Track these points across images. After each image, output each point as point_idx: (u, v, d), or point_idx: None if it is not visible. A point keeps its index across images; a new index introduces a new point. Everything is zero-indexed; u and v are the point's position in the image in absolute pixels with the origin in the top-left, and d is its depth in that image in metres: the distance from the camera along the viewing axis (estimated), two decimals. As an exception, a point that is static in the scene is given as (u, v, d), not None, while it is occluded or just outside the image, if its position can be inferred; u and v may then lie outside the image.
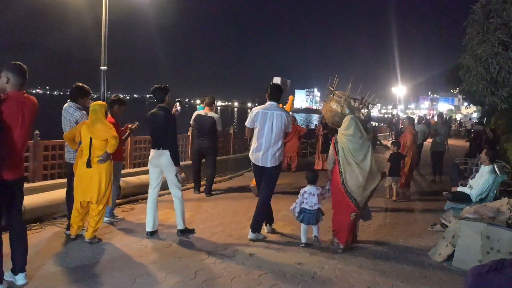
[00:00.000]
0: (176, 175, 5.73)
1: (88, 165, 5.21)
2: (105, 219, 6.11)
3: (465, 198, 6.36)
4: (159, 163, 5.71)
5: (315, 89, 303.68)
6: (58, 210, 6.23)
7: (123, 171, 8.00)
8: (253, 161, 5.95)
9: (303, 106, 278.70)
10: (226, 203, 7.90)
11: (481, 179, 6.27)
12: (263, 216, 6.01)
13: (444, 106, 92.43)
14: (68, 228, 5.55)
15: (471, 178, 7.06)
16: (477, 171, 9.28)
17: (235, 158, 12.09)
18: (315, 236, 5.70)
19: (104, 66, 7.53)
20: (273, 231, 6.25)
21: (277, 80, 13.58)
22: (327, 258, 5.21)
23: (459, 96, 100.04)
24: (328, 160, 5.83)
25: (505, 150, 11.69)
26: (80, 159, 5.27)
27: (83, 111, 5.60)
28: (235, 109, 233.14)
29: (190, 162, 9.45)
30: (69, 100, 5.66)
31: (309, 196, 5.65)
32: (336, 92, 6.68)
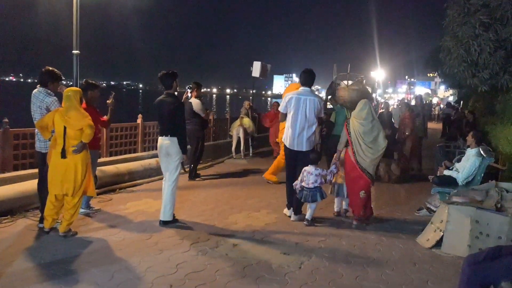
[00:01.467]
0: (181, 163, 5.67)
1: (63, 155, 4.91)
2: (81, 210, 5.84)
3: (451, 182, 6.25)
4: (167, 150, 5.57)
5: (294, 75, 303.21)
6: (31, 202, 5.90)
7: (99, 160, 7.70)
8: (287, 146, 6.08)
9: (282, 92, 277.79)
10: (208, 191, 7.67)
11: (468, 163, 6.16)
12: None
13: (421, 90, 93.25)
14: (41, 221, 5.26)
15: (457, 162, 6.98)
16: (460, 153, 9.27)
17: (215, 144, 11.83)
18: (306, 218, 5.90)
19: (76, 50, 7.14)
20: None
21: (257, 64, 13.39)
22: (313, 247, 5.04)
23: (436, 80, 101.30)
24: (340, 140, 6.09)
25: (486, 132, 11.69)
26: (54, 150, 4.96)
27: (54, 97, 5.27)
28: (213, 95, 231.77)
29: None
30: (38, 86, 5.32)
31: (307, 174, 5.80)
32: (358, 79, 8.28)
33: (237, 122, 11.78)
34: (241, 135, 11.49)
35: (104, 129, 8.02)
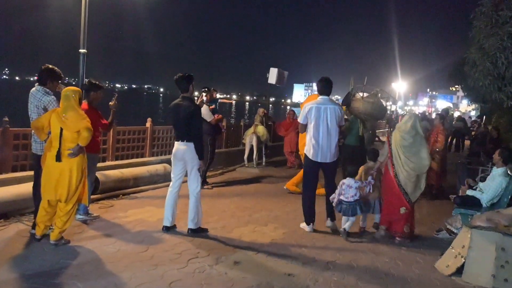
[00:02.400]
0: (198, 169, 5.47)
1: (58, 158, 4.62)
2: (78, 216, 5.58)
3: (474, 203, 5.78)
4: (183, 155, 5.39)
5: (314, 84, 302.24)
6: (27, 206, 5.62)
7: (103, 164, 7.47)
8: (310, 157, 5.83)
9: (301, 101, 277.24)
10: (214, 201, 7.32)
11: (493, 182, 5.69)
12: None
13: (442, 104, 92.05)
14: (33, 226, 4.97)
15: (480, 180, 6.51)
16: (483, 172, 8.75)
17: (228, 152, 11.48)
18: (343, 228, 5.73)
19: (83, 49, 6.88)
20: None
21: (273, 71, 13.03)
22: (322, 269, 4.62)
23: (458, 94, 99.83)
24: (382, 151, 6.02)
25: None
26: (49, 152, 4.68)
27: (53, 96, 5.00)
28: (233, 102, 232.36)
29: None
30: (37, 84, 5.06)
31: (346, 188, 5.68)
32: (374, 91, 8.46)
33: (251, 129, 11.44)
34: (254, 143, 11.14)
35: (111, 132, 7.77)
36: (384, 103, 9.18)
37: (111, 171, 7.27)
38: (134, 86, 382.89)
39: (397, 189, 5.64)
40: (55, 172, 4.64)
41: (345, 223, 5.73)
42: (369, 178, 5.97)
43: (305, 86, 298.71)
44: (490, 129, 14.53)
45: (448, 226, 6.19)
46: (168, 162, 8.53)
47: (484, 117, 31.67)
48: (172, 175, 5.62)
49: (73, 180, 4.68)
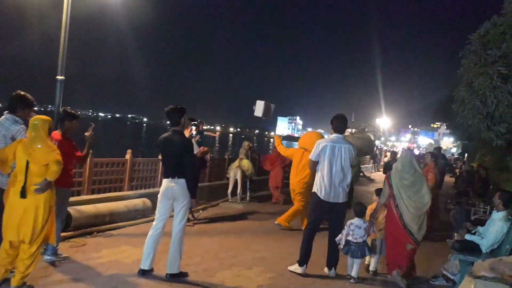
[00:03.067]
0: (190, 208, 5.24)
1: (23, 195, 4.15)
2: (46, 257, 5.07)
3: (474, 248, 5.42)
4: (173, 194, 5.01)
5: (297, 117, 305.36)
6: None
7: (77, 198, 7.00)
8: (322, 197, 5.57)
9: (285, 134, 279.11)
10: (195, 241, 6.81)
11: (493, 227, 5.35)
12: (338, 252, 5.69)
13: (424, 140, 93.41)
14: (-7, 270, 4.44)
15: (474, 223, 6.20)
16: (475, 213, 8.46)
17: (211, 186, 11.04)
18: (352, 275, 5.54)
19: (61, 75, 6.50)
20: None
21: (260, 104, 12.68)
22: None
23: (440, 131, 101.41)
24: (382, 193, 5.79)
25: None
26: (13, 187, 4.20)
27: (22, 125, 4.59)
28: (218, 134, 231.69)
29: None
30: (6, 112, 4.64)
31: (355, 228, 5.53)
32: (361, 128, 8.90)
33: (236, 163, 11.05)
34: (239, 177, 10.72)
35: (87, 164, 7.31)
36: (372, 137, 9.11)
37: (86, 206, 6.76)
38: (117, 115, 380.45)
39: (403, 229, 5.48)
40: (18, 210, 4.16)
41: (353, 268, 5.54)
42: (371, 219, 5.73)
43: (289, 119, 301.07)
44: (476, 168, 14.38)
45: (444, 272, 5.83)
46: (148, 196, 8.10)
47: (466, 154, 31.89)
48: (156, 214, 5.15)
49: (39, 219, 4.20)
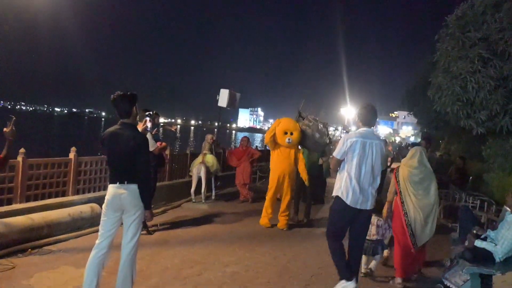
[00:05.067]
0: (143, 222, 4.25)
1: None
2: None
3: (485, 256, 4.60)
4: (122, 204, 3.96)
5: (259, 109, 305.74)
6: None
7: (7, 208, 5.81)
8: (348, 203, 4.58)
9: (247, 125, 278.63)
10: (152, 254, 5.73)
11: (509, 232, 4.53)
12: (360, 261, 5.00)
13: (384, 129, 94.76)
14: None
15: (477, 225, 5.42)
16: (467, 211, 7.74)
17: (171, 185, 9.92)
18: (369, 268, 5.46)
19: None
20: None
21: (224, 93, 11.64)
22: None
23: (398, 120, 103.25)
24: (389, 190, 5.61)
25: (485, 182, 10.33)
26: None
27: None
28: (177, 127, 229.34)
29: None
30: None
31: (370, 225, 5.20)
32: (308, 117, 8.11)
33: (199, 159, 9.97)
34: (203, 175, 9.62)
35: (19, 166, 6.09)
36: (326, 129, 8.41)
37: (17, 218, 5.53)
38: (74, 110, 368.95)
39: (405, 228, 5.28)
40: None
41: (366, 263, 5.45)
42: (388, 220, 5.58)
43: (250, 111, 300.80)
44: (453, 158, 13.83)
45: (446, 283, 4.98)
46: (98, 200, 6.92)
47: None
48: (100, 231, 4.03)
49: None
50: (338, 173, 4.82)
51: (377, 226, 5.40)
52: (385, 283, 5.39)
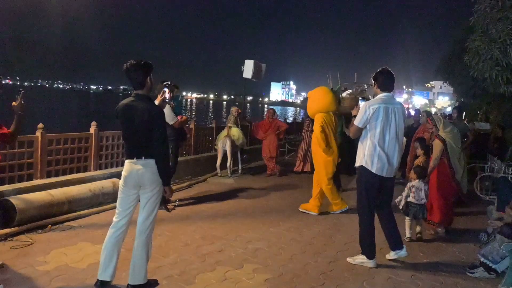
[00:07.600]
0: (163, 197, 4.01)
1: None
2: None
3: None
4: (139, 180, 3.75)
5: (291, 82, 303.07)
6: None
7: (27, 184, 5.76)
8: (374, 172, 4.53)
9: (279, 99, 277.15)
10: (174, 230, 5.60)
11: (554, 205, 4.17)
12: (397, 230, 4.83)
13: (419, 100, 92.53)
14: None
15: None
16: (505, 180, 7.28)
17: (197, 159, 9.78)
18: (419, 232, 5.74)
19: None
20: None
21: (249, 63, 11.33)
22: None
23: (434, 91, 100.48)
24: (435, 157, 6.05)
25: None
26: None
27: None
28: (210, 101, 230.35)
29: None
30: None
31: (416, 190, 5.60)
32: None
33: (224, 132, 9.77)
34: (228, 148, 9.44)
35: (39, 141, 6.03)
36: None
37: (36, 194, 5.48)
38: (109, 87, 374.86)
39: (453, 183, 6.29)
40: None
41: (411, 229, 5.70)
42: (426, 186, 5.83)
43: (282, 84, 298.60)
44: (493, 128, 13.15)
45: (482, 259, 4.68)
46: (119, 176, 6.80)
47: (464, 113, 30.55)
48: (117, 209, 3.88)
49: None
50: (360, 142, 4.60)
51: (424, 191, 5.59)
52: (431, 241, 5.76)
